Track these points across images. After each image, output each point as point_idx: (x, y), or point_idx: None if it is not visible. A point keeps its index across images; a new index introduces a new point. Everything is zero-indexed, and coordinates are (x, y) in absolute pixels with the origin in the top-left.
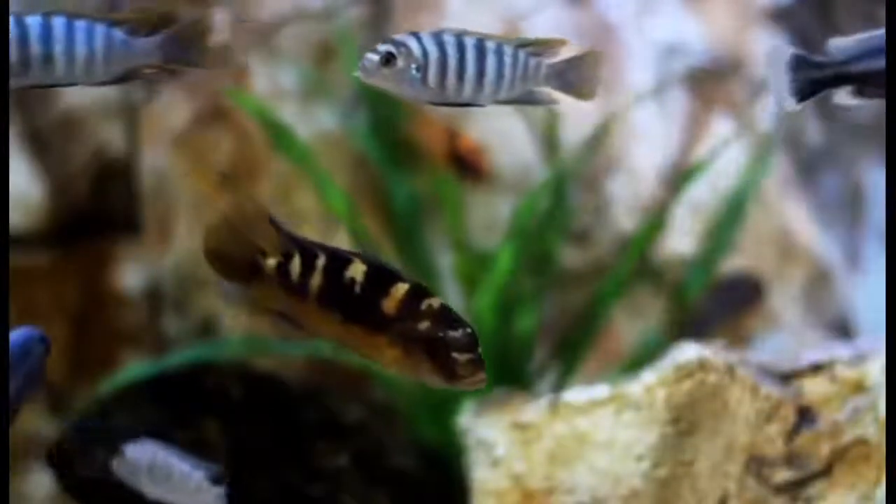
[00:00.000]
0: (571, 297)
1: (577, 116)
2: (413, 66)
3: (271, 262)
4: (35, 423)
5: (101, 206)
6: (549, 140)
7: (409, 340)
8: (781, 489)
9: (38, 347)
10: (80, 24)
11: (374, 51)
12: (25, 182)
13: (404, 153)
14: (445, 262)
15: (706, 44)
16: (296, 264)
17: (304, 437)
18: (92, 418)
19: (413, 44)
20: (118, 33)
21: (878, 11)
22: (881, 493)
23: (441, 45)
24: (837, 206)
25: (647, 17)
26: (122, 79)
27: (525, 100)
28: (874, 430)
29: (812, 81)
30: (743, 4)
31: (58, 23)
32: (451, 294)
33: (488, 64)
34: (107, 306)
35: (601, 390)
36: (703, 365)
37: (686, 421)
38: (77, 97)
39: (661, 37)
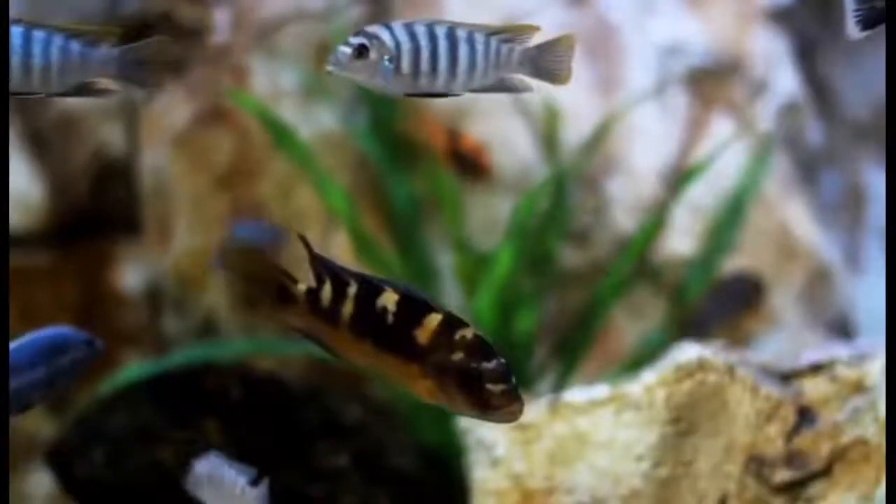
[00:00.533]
0: (571, 297)
1: (577, 116)
2: (386, 57)
3: (302, 287)
4: (35, 423)
5: (101, 206)
6: (549, 140)
7: (442, 371)
8: (781, 489)
9: (78, 349)
10: (38, 35)
11: (347, 43)
12: (25, 182)
13: (404, 153)
14: (445, 262)
15: (706, 44)
16: (327, 291)
17: (304, 437)
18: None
19: (385, 35)
20: (76, 45)
21: None
22: (881, 493)
23: (413, 36)
24: (837, 206)
25: (647, 17)
26: (76, 91)
27: (498, 87)
28: (874, 430)
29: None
30: (743, 4)
31: (15, 32)
32: (451, 294)
33: (461, 52)
34: (107, 306)
35: (601, 390)
36: (703, 365)
37: (686, 421)
38: (77, 97)
39: (661, 37)
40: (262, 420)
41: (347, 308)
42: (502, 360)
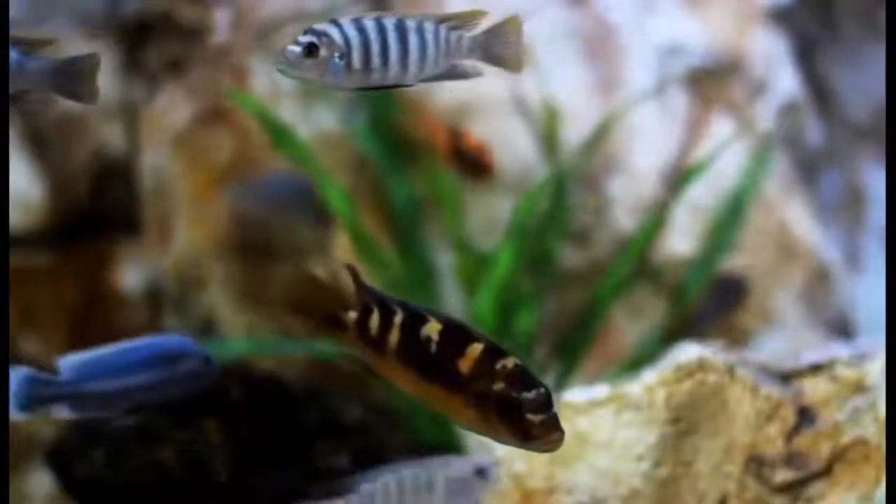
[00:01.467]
0: (571, 297)
1: (577, 116)
2: (336, 54)
3: (352, 315)
4: (35, 422)
5: (101, 206)
6: (549, 140)
7: (483, 401)
8: (781, 489)
9: (193, 361)
10: None
11: (296, 42)
12: (25, 182)
13: (404, 152)
14: (445, 262)
15: (706, 44)
16: (375, 320)
17: (304, 437)
18: None
19: (334, 32)
20: (13, 53)
21: (878, 12)
22: (881, 493)
23: (362, 30)
24: (837, 206)
25: (647, 17)
26: (11, 99)
27: (450, 75)
28: (874, 430)
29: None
30: (743, 4)
31: None
32: (450, 294)
33: (411, 43)
34: (107, 306)
35: (601, 390)
36: (703, 365)
37: (686, 421)
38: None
39: (661, 37)
40: (262, 420)
41: (394, 337)
42: (542, 390)
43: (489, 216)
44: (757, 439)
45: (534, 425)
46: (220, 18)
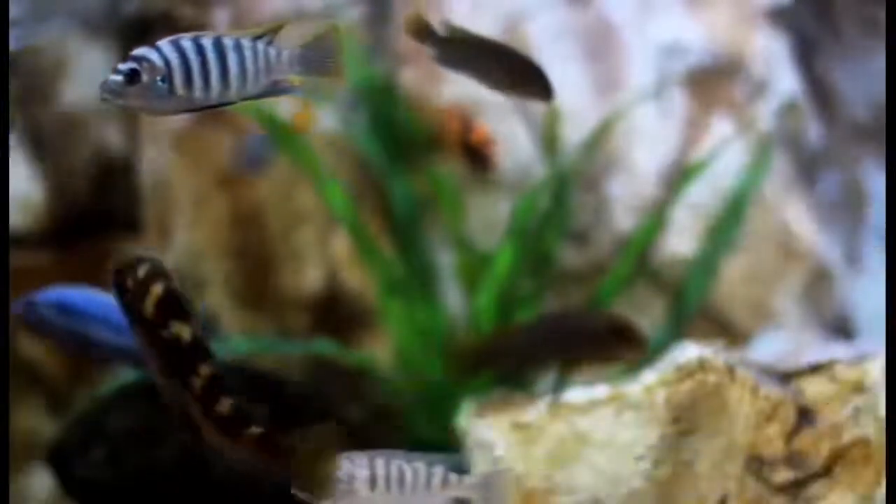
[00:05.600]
0: (571, 297)
1: (577, 116)
2: (158, 77)
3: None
4: (35, 422)
5: (102, 206)
6: (549, 140)
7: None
8: (781, 489)
9: None
10: None
11: (116, 71)
12: (25, 182)
13: (404, 152)
14: (445, 261)
15: (706, 44)
16: None
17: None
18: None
19: (153, 55)
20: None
21: (877, 12)
22: (881, 493)
23: (181, 51)
24: (837, 206)
25: (647, 17)
26: None
27: (272, 91)
28: (874, 430)
29: None
30: (743, 4)
31: None
32: (451, 294)
33: (230, 61)
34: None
35: (601, 390)
36: (703, 365)
37: (686, 421)
38: (77, 97)
39: (661, 37)
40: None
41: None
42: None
43: (489, 216)
44: (757, 439)
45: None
46: (220, 18)
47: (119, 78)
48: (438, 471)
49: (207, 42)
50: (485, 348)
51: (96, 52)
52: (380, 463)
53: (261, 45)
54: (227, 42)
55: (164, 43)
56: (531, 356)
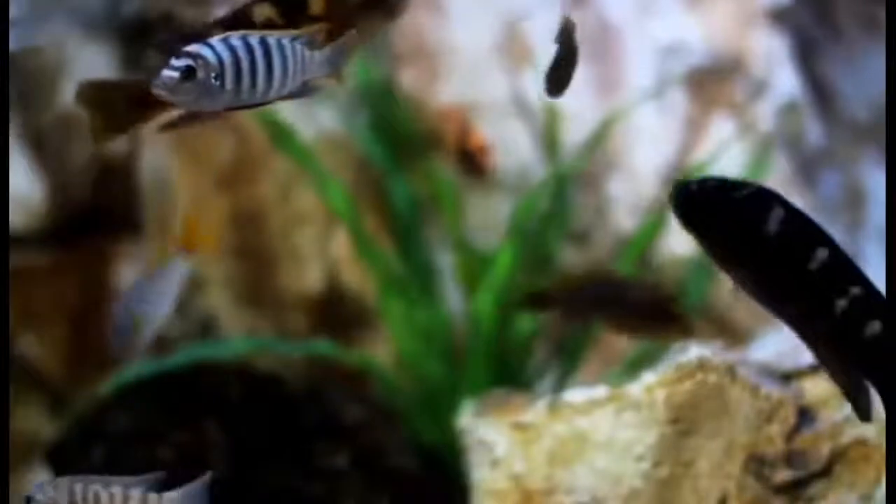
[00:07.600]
0: None
1: (577, 117)
2: (212, 74)
3: None
4: (35, 423)
5: (102, 206)
6: (549, 140)
7: None
8: (781, 489)
9: None
10: None
11: (171, 67)
12: (25, 182)
13: (404, 153)
14: (445, 262)
15: (706, 44)
16: None
17: (304, 437)
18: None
19: (208, 53)
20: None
21: (878, 11)
22: (881, 493)
23: (232, 50)
24: (837, 206)
25: (647, 17)
26: None
27: (301, 92)
28: (874, 430)
29: None
30: (743, 4)
31: None
32: (451, 294)
33: (275, 61)
34: (107, 306)
35: (601, 390)
36: (703, 365)
37: (686, 421)
38: None
39: (661, 37)
40: (262, 420)
41: None
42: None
43: (489, 216)
44: (757, 439)
45: None
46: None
47: (175, 74)
48: (135, 493)
49: (255, 41)
50: (556, 293)
51: (96, 52)
52: (78, 488)
53: (298, 46)
54: (272, 41)
55: (217, 41)
56: (595, 310)
